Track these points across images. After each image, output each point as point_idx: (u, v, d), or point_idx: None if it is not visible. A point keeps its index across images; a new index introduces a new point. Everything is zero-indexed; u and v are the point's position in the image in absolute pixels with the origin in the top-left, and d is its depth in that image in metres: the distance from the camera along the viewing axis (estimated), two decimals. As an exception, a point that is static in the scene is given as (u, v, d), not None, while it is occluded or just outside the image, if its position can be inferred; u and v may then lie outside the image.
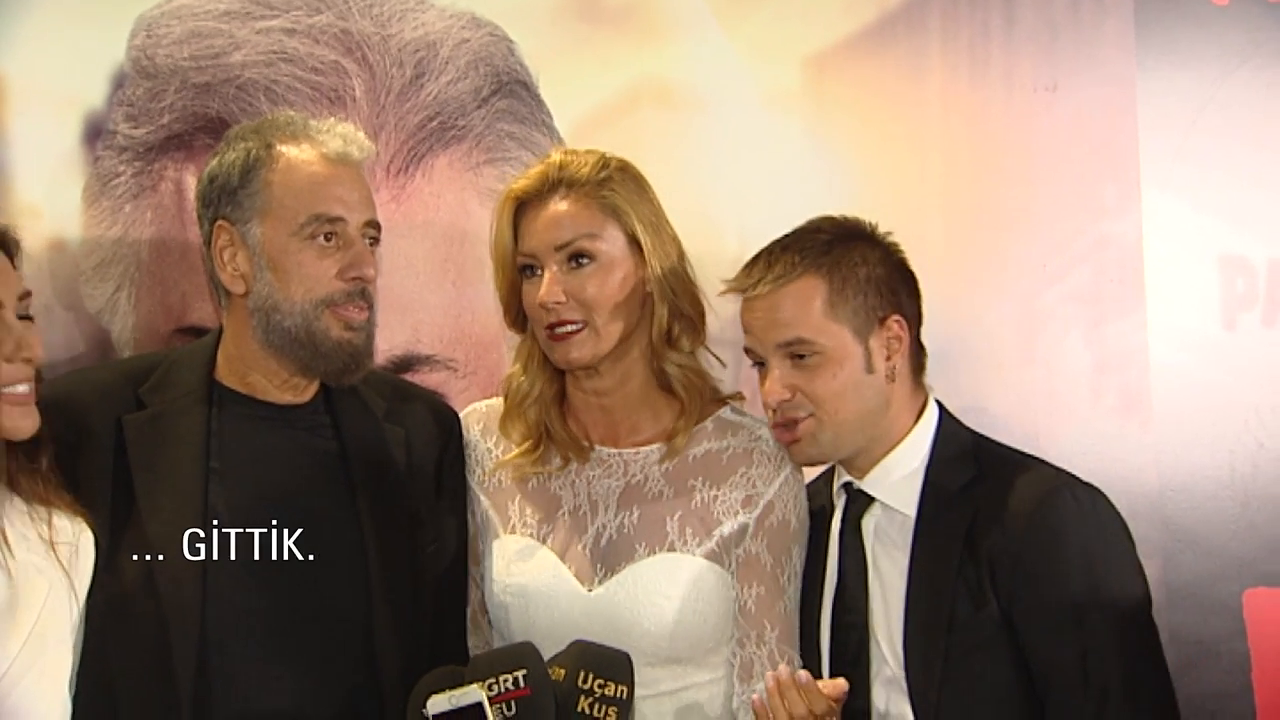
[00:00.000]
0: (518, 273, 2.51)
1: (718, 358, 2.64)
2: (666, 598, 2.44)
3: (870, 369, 2.43)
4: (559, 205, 2.48)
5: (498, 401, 2.63)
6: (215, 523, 2.32)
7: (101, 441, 2.34)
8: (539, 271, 2.48)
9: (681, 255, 2.55)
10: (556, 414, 2.56)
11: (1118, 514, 2.42)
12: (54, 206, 2.98)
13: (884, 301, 2.44)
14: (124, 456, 2.33)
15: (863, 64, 3.24)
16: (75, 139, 2.99)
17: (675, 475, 2.52)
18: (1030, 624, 2.34)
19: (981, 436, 2.52)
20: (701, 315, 2.57)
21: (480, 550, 2.56)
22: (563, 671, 2.23)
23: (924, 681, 2.36)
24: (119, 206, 3.00)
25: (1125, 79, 3.28)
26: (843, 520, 2.49)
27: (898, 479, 2.45)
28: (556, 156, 2.52)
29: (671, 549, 2.47)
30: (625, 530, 2.49)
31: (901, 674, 2.38)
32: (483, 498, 2.57)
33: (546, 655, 2.40)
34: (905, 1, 3.24)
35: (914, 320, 2.49)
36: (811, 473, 2.61)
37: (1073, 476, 2.43)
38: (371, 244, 2.43)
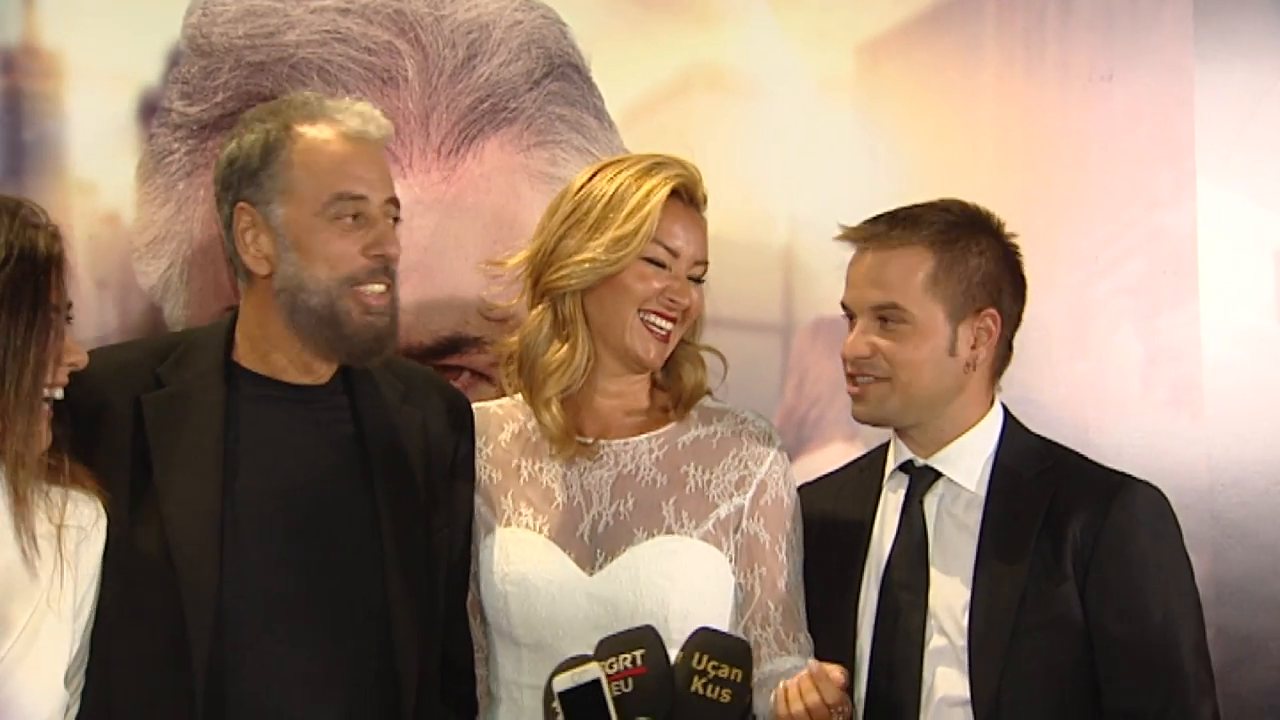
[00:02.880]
0: (639, 257, 2.51)
1: (724, 359, 2.65)
2: (668, 579, 2.45)
3: (953, 352, 2.47)
4: (698, 218, 2.57)
5: (487, 404, 2.65)
6: (232, 503, 2.33)
7: (120, 419, 2.34)
8: (668, 266, 2.52)
9: None
10: (559, 403, 2.57)
11: (1175, 515, 2.49)
12: (109, 183, 3.00)
13: (985, 294, 2.48)
14: (142, 435, 2.34)
15: (916, 51, 3.23)
16: (130, 116, 3.01)
17: (667, 463, 2.54)
18: (1104, 605, 2.39)
19: (1046, 438, 2.57)
20: (704, 317, 2.65)
21: (474, 548, 2.57)
22: (682, 655, 2.28)
23: (987, 654, 2.39)
24: (172, 184, 3.02)
25: (1182, 69, 3.26)
26: (906, 496, 2.52)
27: (970, 460, 2.50)
28: (693, 168, 2.56)
29: (669, 532, 2.49)
30: (622, 516, 2.51)
31: (962, 646, 2.40)
32: (476, 496, 2.58)
33: (549, 644, 2.46)
34: (960, -12, 3.24)
35: (1011, 320, 2.53)
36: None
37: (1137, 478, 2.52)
38: (393, 222, 2.43)
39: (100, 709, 2.29)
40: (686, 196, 2.55)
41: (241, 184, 2.38)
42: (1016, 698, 2.39)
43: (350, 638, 2.35)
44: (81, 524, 2.27)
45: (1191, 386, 3.24)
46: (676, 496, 2.52)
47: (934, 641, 2.44)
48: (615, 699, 2.21)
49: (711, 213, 2.61)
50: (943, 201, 2.54)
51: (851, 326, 2.52)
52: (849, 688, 2.34)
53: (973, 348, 2.48)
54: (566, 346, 2.54)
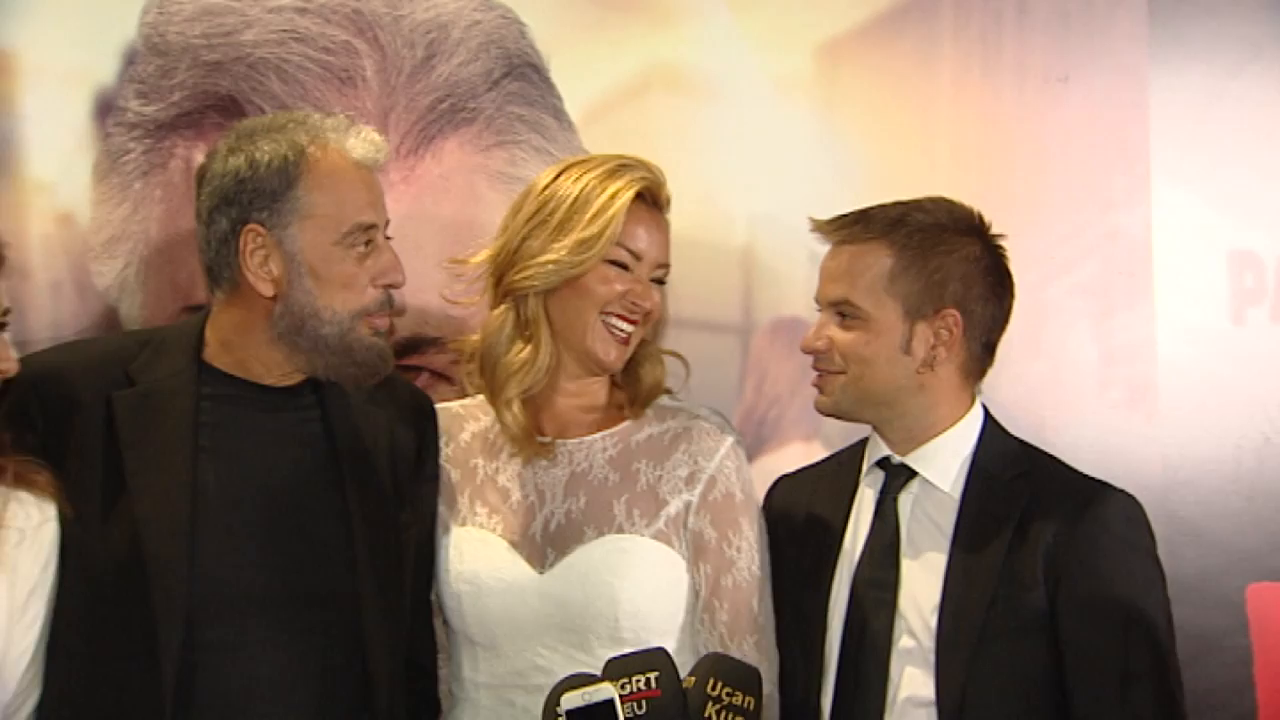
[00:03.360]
0: (602, 259, 2.51)
1: (684, 361, 2.65)
2: (617, 577, 2.45)
3: (907, 350, 2.47)
4: (661, 221, 2.57)
5: (450, 404, 2.65)
6: (203, 502, 2.33)
7: (91, 417, 2.34)
8: (631, 269, 2.52)
9: None
10: (520, 403, 2.57)
11: (1150, 523, 2.49)
12: (64, 182, 2.98)
13: (948, 294, 2.47)
14: (113, 432, 2.33)
15: (874, 52, 3.25)
16: (86, 115, 2.99)
17: (619, 461, 2.54)
18: (1074, 614, 2.39)
19: (1025, 441, 2.57)
20: (666, 317, 2.66)
21: (432, 549, 2.57)
22: (693, 679, 2.26)
23: (953, 656, 2.38)
24: (129, 183, 3.00)
25: (1137, 71, 3.28)
26: (881, 494, 2.52)
27: (945, 460, 2.50)
28: (655, 169, 2.56)
29: (620, 530, 2.49)
30: (573, 515, 2.51)
31: (930, 648, 2.40)
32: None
33: (501, 643, 2.46)
34: (918, -10, 3.26)
35: (981, 323, 2.51)
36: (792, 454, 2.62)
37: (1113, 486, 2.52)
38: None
39: (69, 706, 2.29)
40: (650, 199, 2.55)
41: (253, 205, 2.35)
42: (982, 702, 2.38)
43: (321, 636, 2.36)
44: (22, 525, 2.26)
45: (1146, 386, 3.26)
46: (628, 495, 2.51)
47: (902, 641, 2.43)
48: None
49: (670, 213, 2.61)
50: (922, 199, 2.53)
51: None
52: (817, 685, 2.36)
53: (932, 347, 2.47)
54: (529, 347, 2.54)
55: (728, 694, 2.22)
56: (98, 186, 3.00)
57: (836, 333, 2.48)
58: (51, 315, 2.96)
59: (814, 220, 2.54)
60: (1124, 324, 3.27)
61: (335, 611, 2.37)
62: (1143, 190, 3.28)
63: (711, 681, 2.23)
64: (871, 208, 2.52)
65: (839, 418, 2.57)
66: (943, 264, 2.47)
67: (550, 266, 2.50)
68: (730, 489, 2.53)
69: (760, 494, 2.61)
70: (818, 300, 2.54)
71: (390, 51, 3.06)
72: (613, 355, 2.53)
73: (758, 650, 2.47)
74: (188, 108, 2.98)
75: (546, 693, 2.40)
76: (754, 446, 3.05)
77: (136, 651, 2.27)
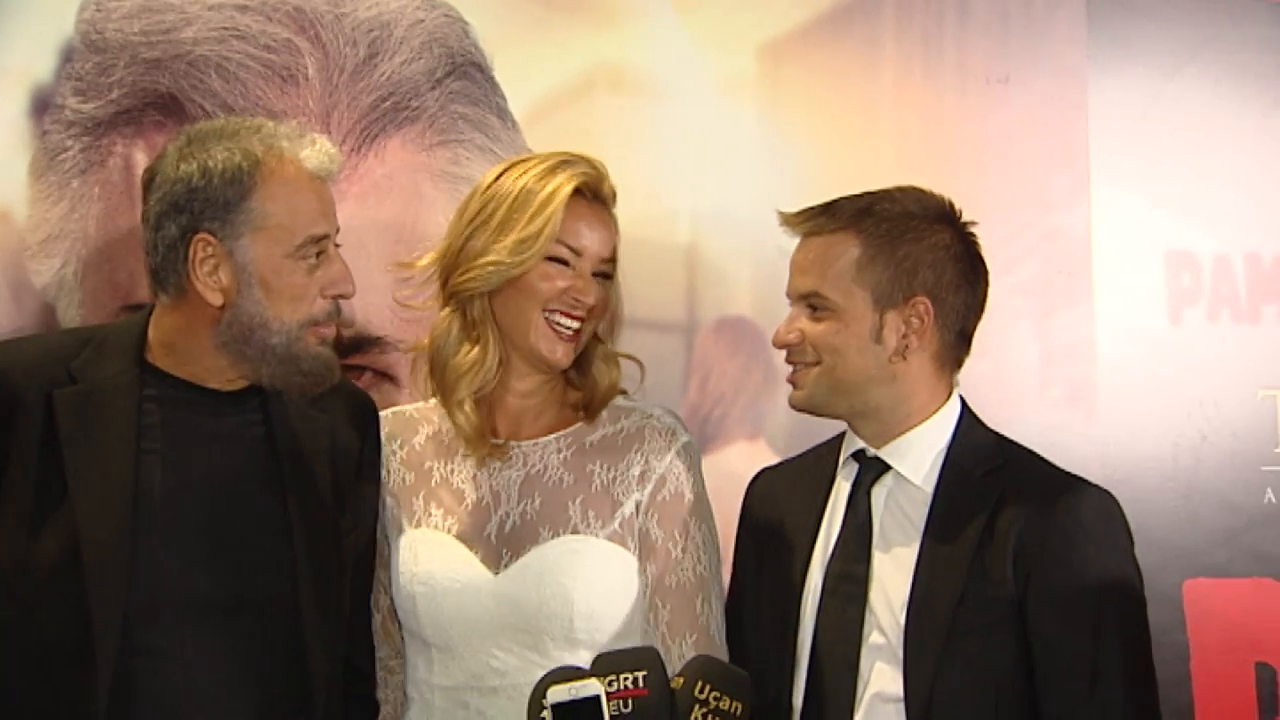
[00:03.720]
0: (543, 257, 2.50)
1: (639, 362, 2.64)
2: (571, 578, 2.45)
3: (878, 339, 2.44)
4: (604, 216, 2.55)
5: (404, 408, 2.64)
6: (144, 503, 2.30)
7: (32, 415, 2.30)
8: (572, 265, 2.51)
9: None
10: (471, 404, 2.56)
11: (1126, 519, 2.46)
12: (0, 180, 2.94)
13: (918, 282, 2.44)
14: (53, 431, 2.30)
15: (817, 53, 3.26)
16: (22, 112, 2.96)
17: (574, 462, 2.53)
18: (1044, 610, 2.36)
19: (1001, 435, 2.54)
20: (620, 316, 2.63)
21: (386, 552, 2.57)
22: (681, 680, 2.24)
23: (922, 653, 2.36)
24: (66, 182, 2.97)
25: (1076, 72, 3.32)
26: (853, 486, 2.50)
27: (919, 454, 2.47)
28: (599, 165, 2.55)
29: (575, 531, 2.48)
30: (529, 516, 2.50)
31: (898, 643, 2.38)
32: (388, 498, 2.58)
33: (456, 644, 2.45)
34: (860, -9, 3.28)
35: (954, 310, 2.48)
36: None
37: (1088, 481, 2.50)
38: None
39: (3, 707, 2.26)
40: (591, 194, 2.54)
41: (205, 214, 2.32)
42: (950, 698, 2.35)
43: (261, 639, 2.34)
44: None
45: (1086, 385, 3.30)
46: (583, 495, 2.51)
47: (872, 637, 2.41)
48: (614, 719, 2.17)
49: (616, 212, 2.59)
50: (892, 189, 2.51)
51: None
52: (789, 680, 2.35)
53: (904, 336, 2.44)
54: (477, 348, 2.53)
55: (715, 698, 2.21)
56: (35, 184, 2.96)
57: (807, 325, 2.46)
58: (-11, 315, 2.94)
59: (781, 214, 2.52)
60: (1064, 324, 3.30)
61: (274, 617, 2.35)
62: (1082, 190, 3.32)
63: (699, 684, 2.22)
64: (839, 199, 2.50)
65: (813, 412, 2.53)
66: (911, 252, 2.45)
67: (491, 268, 2.50)
68: (680, 489, 2.53)
69: (708, 494, 2.60)
70: (789, 294, 2.51)
71: (332, 50, 3.04)
72: (558, 353, 2.52)
73: (696, 649, 2.46)
74: (127, 105, 2.96)
75: (500, 695, 2.41)
76: (699, 445, 3.02)
77: (72, 655, 2.25)
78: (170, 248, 2.34)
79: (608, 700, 2.17)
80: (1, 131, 2.95)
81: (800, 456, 2.69)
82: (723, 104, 3.22)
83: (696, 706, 2.20)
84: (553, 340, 2.52)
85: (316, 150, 2.38)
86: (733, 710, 2.21)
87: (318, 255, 2.35)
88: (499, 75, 3.12)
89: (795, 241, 2.53)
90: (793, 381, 2.50)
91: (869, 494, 2.48)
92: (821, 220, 2.47)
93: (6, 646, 2.27)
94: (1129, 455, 3.28)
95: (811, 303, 2.46)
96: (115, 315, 2.93)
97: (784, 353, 2.51)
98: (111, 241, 2.95)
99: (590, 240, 2.52)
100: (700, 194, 3.20)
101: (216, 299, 2.33)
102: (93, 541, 2.26)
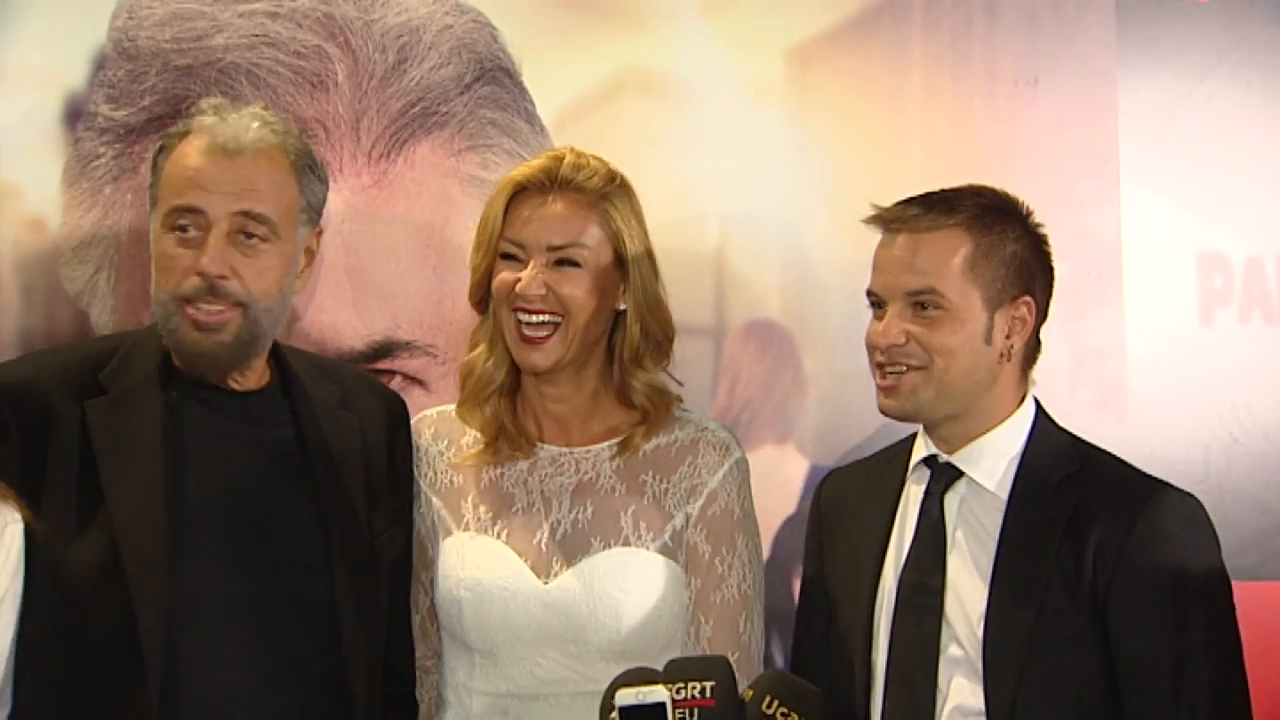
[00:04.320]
0: (497, 255, 2.52)
1: (677, 380, 2.61)
2: (622, 591, 2.45)
3: (989, 340, 2.37)
4: (558, 206, 2.49)
5: (447, 408, 2.64)
6: (179, 507, 2.32)
7: (66, 428, 2.32)
8: (522, 260, 2.49)
9: (658, 279, 2.56)
10: (508, 408, 2.56)
11: (1213, 524, 2.41)
12: (34, 187, 3.00)
13: (1020, 281, 2.39)
14: (87, 442, 2.32)
15: (845, 56, 3.26)
16: (56, 120, 3.01)
17: (627, 471, 2.52)
18: (1126, 621, 2.30)
19: (1077, 437, 2.49)
20: (670, 338, 2.57)
21: (430, 553, 2.56)
22: (751, 693, 2.23)
23: (1003, 666, 2.30)
24: (99, 188, 3.01)
25: (1106, 74, 3.30)
26: (925, 494, 2.43)
27: (993, 459, 2.40)
28: (569, 156, 2.51)
29: (626, 543, 2.48)
30: (580, 525, 2.50)
31: (977, 656, 2.32)
32: (434, 499, 2.57)
33: (501, 651, 2.45)
34: (888, -7, 3.28)
35: (1042, 310, 2.44)
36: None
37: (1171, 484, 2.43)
38: (249, 238, 2.33)
39: (51, 714, 2.28)
40: (542, 184, 2.49)
41: (151, 199, 2.39)
42: (1033, 712, 2.29)
43: (299, 639, 2.35)
44: None
45: (1116, 387, 3.28)
46: (635, 506, 2.50)
47: (949, 650, 2.35)
48: None
49: (627, 208, 2.55)
50: (972, 186, 2.45)
51: (879, 316, 2.40)
52: (865, 693, 2.33)
53: (1007, 337, 2.39)
54: (484, 345, 2.56)
55: (783, 714, 2.19)
56: (68, 191, 3.01)
57: (914, 326, 2.36)
58: (23, 320, 2.98)
59: (876, 207, 2.43)
60: (1094, 326, 3.29)
61: (312, 618, 2.36)
62: (1112, 192, 3.30)
63: (768, 699, 2.20)
64: (928, 194, 2.43)
65: (911, 419, 2.44)
66: (1016, 250, 2.39)
67: (472, 277, 2.54)
68: (730, 505, 2.52)
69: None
70: (880, 293, 2.41)
71: (362, 56, 3.07)
72: (525, 358, 2.50)
73: (735, 667, 2.38)
74: (158, 112, 2.99)
75: (541, 703, 2.42)
76: (727, 449, 3.07)
77: (119, 661, 2.26)
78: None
79: (673, 708, 2.16)
80: (36, 139, 3.00)
81: (869, 459, 2.63)
82: (750, 107, 3.22)
83: None
84: (519, 346, 2.50)
85: (231, 122, 2.33)
86: None
87: (189, 230, 2.31)
88: (527, 80, 3.14)
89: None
90: (891, 386, 2.39)
91: (941, 501, 2.42)
92: (929, 216, 2.38)
93: (56, 655, 2.28)
94: (1159, 457, 3.23)
95: (922, 300, 2.36)
96: (147, 320, 2.96)
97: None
98: (144, 247, 2.95)
99: (531, 230, 2.48)
100: (728, 198, 3.20)
101: None
102: (132, 548, 2.28)
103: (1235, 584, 2.44)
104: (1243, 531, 3.28)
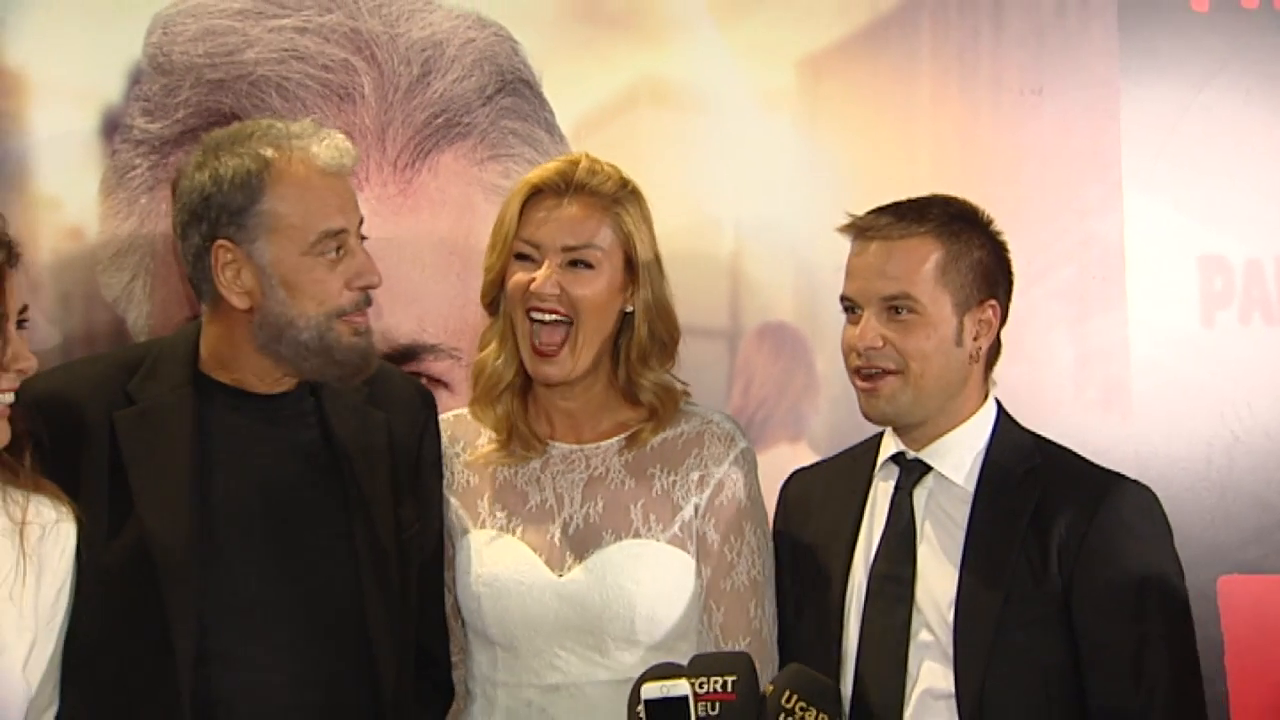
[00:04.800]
0: (511, 255, 2.56)
1: (681, 381, 2.66)
2: (634, 581, 2.49)
3: (959, 343, 2.47)
4: (574, 209, 2.54)
5: (461, 411, 2.68)
6: (209, 511, 2.35)
7: (96, 438, 2.35)
8: (536, 260, 2.54)
9: (665, 282, 2.61)
10: (520, 407, 2.60)
11: (1165, 514, 2.50)
12: (73, 198, 3.03)
13: (986, 286, 2.49)
14: (117, 452, 2.35)
15: (855, 67, 3.29)
16: (93, 133, 3.04)
17: (635, 465, 2.56)
18: (1089, 605, 2.39)
19: (1037, 434, 2.57)
20: (675, 340, 2.62)
21: (450, 552, 2.60)
22: (772, 688, 2.27)
23: (972, 649, 2.38)
24: (135, 198, 3.05)
25: (1109, 83, 3.32)
26: (896, 488, 2.51)
27: (959, 455, 2.49)
28: (584, 161, 2.56)
29: (637, 535, 2.52)
30: (591, 519, 2.53)
31: (947, 641, 2.40)
32: (452, 499, 2.61)
33: (521, 643, 2.49)
34: (897, 6, 3.29)
35: (1004, 313, 2.54)
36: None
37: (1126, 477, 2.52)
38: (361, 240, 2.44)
39: (89, 716, 2.32)
40: (558, 187, 2.54)
41: (220, 221, 2.35)
42: (1001, 693, 2.37)
43: (328, 637, 2.38)
44: (43, 521, 2.28)
45: (1120, 387, 3.30)
46: (644, 499, 2.54)
47: (919, 635, 2.43)
48: None
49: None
50: (939, 196, 2.53)
51: (853, 321, 2.49)
52: (835, 680, 2.37)
53: (975, 339, 2.48)
54: (494, 343, 2.60)
55: (801, 708, 2.23)
56: (105, 201, 3.04)
57: (888, 330, 2.45)
58: (62, 326, 3.01)
59: (852, 216, 2.51)
60: (1098, 328, 3.31)
61: (341, 613, 2.39)
62: (1115, 198, 3.32)
63: (787, 694, 2.24)
64: (899, 203, 2.51)
65: (889, 423, 2.53)
66: (981, 256, 2.49)
67: (485, 277, 2.59)
68: (736, 494, 2.56)
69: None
70: (855, 298, 2.49)
71: (387, 69, 3.09)
72: (538, 370, 2.53)
73: (748, 653, 2.44)
74: (192, 125, 3.02)
75: (562, 693, 2.46)
76: (742, 448, 3.11)
77: (152, 667, 2.30)
78: (197, 257, 2.38)
79: (695, 701, 2.21)
80: (74, 151, 3.03)
81: (834, 458, 2.71)
82: (763, 117, 3.25)
83: (783, 715, 2.23)
84: (533, 358, 2.53)
85: (327, 146, 2.38)
86: None
87: (338, 250, 2.37)
88: (547, 91, 3.17)
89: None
90: (871, 389, 2.47)
91: (910, 495, 2.50)
92: (901, 223, 2.47)
93: (90, 660, 2.32)
94: (1163, 455, 3.28)
95: (896, 304, 2.45)
96: (182, 324, 2.98)
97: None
98: (178, 255, 3.03)
99: (547, 231, 2.52)
100: (742, 204, 3.23)
101: (243, 302, 2.36)
102: (163, 554, 2.31)
103: (1237, 577, 2.50)
104: (1244, 527, 3.31)
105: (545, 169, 2.58)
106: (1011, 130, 3.31)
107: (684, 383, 2.65)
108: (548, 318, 2.53)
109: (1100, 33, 3.33)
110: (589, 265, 2.53)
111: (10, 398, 2.24)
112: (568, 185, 2.54)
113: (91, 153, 3.05)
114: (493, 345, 2.60)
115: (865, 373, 2.48)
